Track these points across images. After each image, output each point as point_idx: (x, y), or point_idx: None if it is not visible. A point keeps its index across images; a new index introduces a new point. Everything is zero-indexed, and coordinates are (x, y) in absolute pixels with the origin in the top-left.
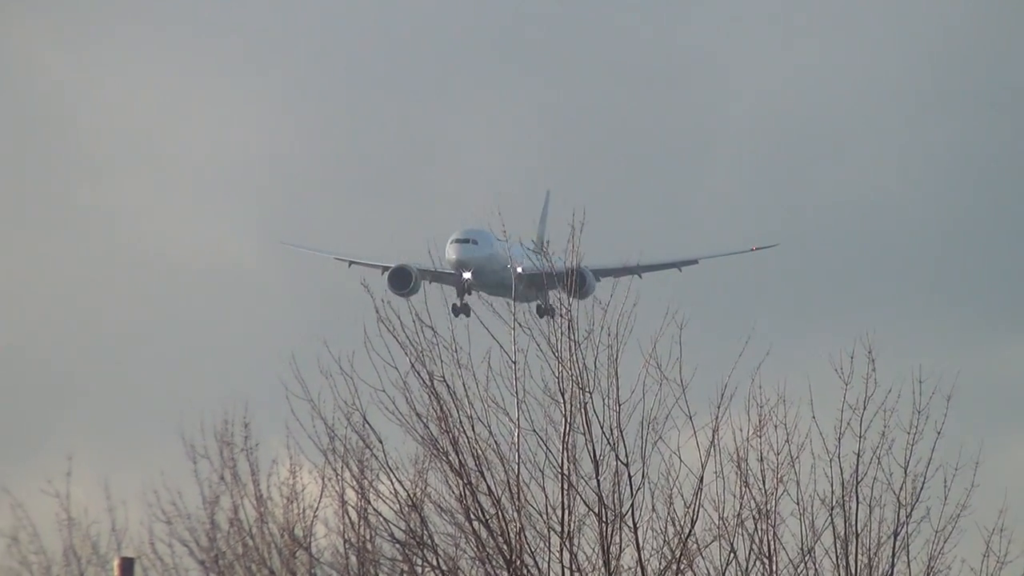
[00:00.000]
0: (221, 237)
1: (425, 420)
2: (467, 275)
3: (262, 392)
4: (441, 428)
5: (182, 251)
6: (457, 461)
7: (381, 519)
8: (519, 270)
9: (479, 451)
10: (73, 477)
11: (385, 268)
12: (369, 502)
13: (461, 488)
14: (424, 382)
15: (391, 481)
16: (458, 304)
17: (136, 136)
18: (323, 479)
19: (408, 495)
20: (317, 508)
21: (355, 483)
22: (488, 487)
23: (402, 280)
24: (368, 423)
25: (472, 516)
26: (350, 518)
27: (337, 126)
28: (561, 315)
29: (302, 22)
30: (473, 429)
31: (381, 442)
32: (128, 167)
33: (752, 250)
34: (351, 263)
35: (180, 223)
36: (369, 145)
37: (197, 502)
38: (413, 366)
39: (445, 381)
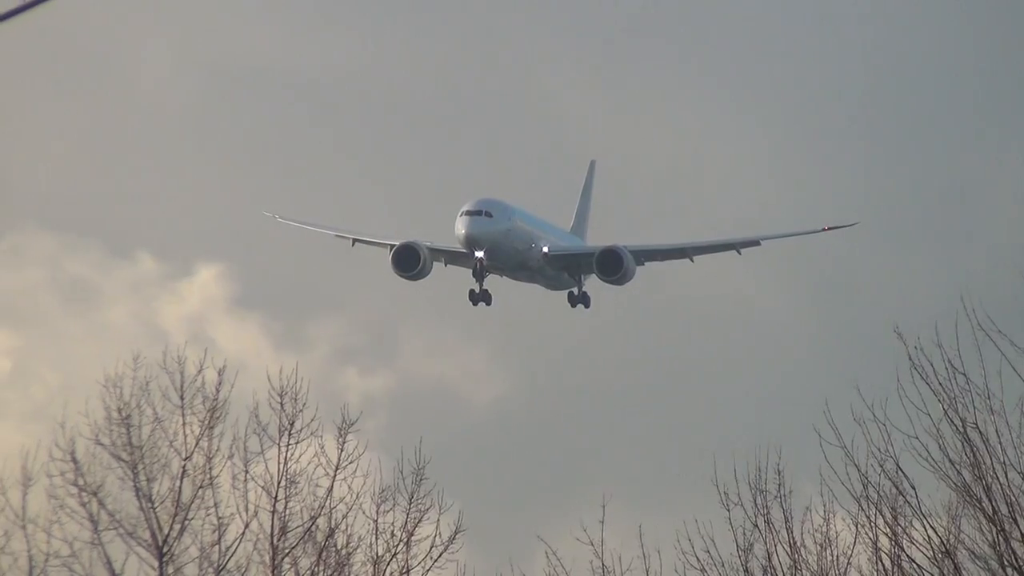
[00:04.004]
0: None
1: (958, 466)
2: (479, 254)
3: (795, 439)
4: (974, 475)
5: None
6: (990, 508)
7: (914, 565)
8: (545, 250)
9: (1012, 498)
10: (607, 524)
11: (393, 247)
12: (902, 549)
13: (994, 535)
14: (957, 428)
15: (924, 527)
16: (476, 290)
17: None
18: (856, 525)
19: (941, 541)
20: (851, 555)
21: (888, 529)
22: (1021, 533)
23: (409, 260)
24: (901, 469)
25: (1006, 562)
26: (883, 564)
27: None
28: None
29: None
30: (1006, 476)
31: (914, 488)
32: None
33: (825, 230)
34: (355, 241)
35: None
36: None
37: (730, 549)
38: (946, 412)
39: (978, 427)
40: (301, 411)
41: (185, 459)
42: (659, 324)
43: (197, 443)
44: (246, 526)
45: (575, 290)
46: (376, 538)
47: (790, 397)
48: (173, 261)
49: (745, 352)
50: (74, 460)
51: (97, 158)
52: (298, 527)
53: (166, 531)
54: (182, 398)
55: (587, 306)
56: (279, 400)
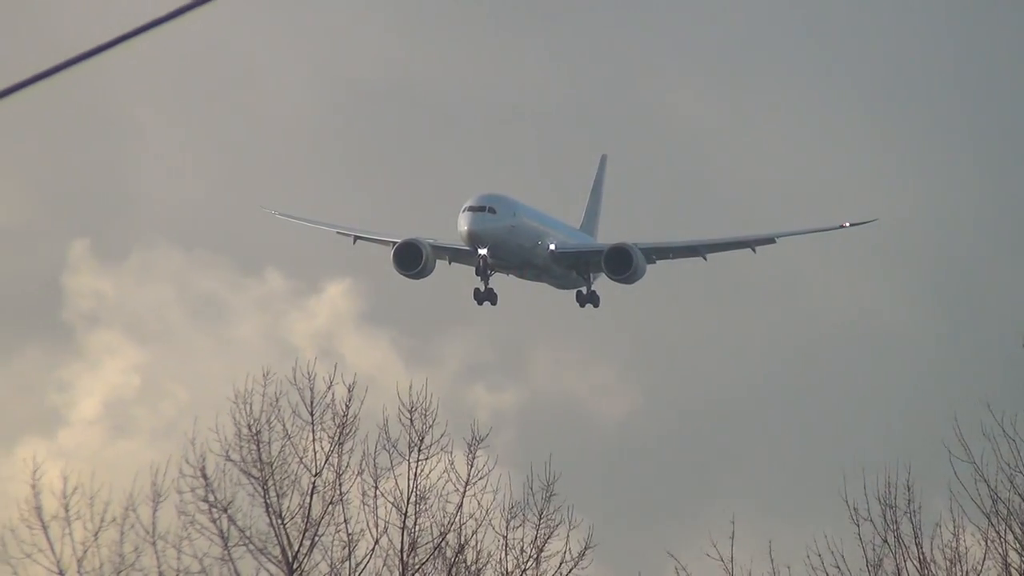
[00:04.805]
0: None
1: None
2: (483, 251)
3: (924, 454)
4: None
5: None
6: None
7: None
8: (552, 247)
9: None
10: (736, 540)
11: (396, 244)
12: None
13: None
14: None
15: None
16: (481, 289)
17: None
18: (986, 541)
19: None
20: (981, 571)
21: (1018, 545)
22: None
23: (411, 258)
24: None
25: None
26: None
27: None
28: None
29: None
30: None
31: None
32: None
33: (844, 226)
34: (356, 238)
35: None
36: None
37: (860, 564)
38: None
39: None
40: (431, 427)
41: (315, 475)
42: (788, 338)
43: (327, 459)
44: (376, 542)
45: (583, 289)
46: (506, 554)
47: (919, 412)
48: (302, 277)
49: (874, 365)
50: (204, 476)
51: (227, 174)
52: (428, 543)
53: (296, 547)
54: (312, 414)
55: (596, 305)
56: (409, 416)
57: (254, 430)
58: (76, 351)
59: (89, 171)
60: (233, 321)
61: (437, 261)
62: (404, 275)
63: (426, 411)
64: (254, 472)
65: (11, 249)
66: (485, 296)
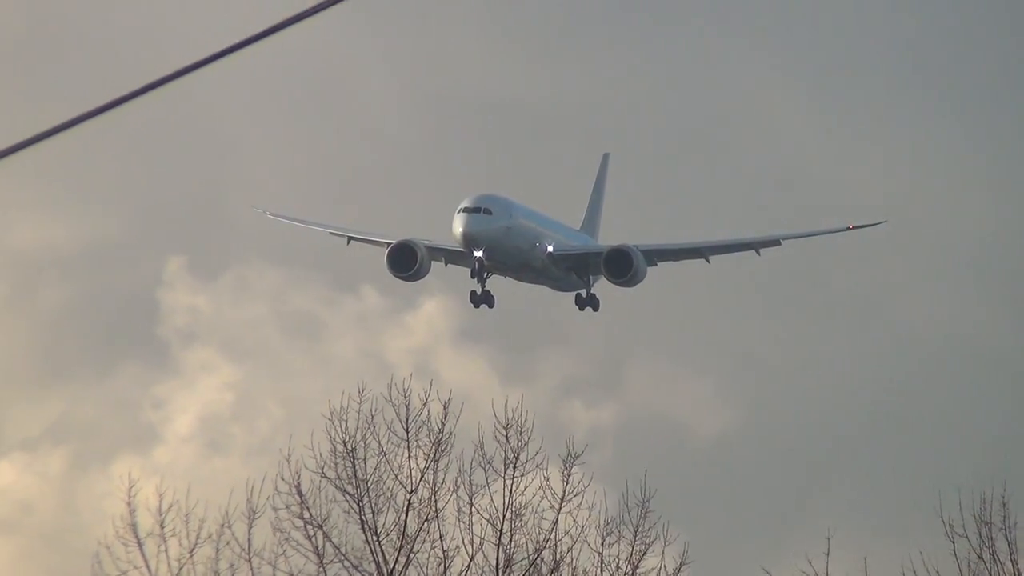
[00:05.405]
0: None
1: None
2: (478, 253)
3: (1020, 470)
4: None
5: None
6: None
7: None
8: (549, 249)
9: None
10: (832, 556)
11: (390, 245)
12: None
13: None
14: None
15: None
16: (477, 292)
17: None
18: None
19: None
20: None
21: None
22: None
23: (405, 260)
24: None
25: None
26: None
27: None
28: None
29: None
30: None
31: None
32: None
33: (849, 228)
34: (350, 239)
35: None
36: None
37: None
38: None
39: None
40: (526, 443)
41: (410, 492)
42: (879, 352)
43: (422, 476)
44: (471, 559)
45: (583, 292)
46: (601, 571)
47: (1015, 428)
48: (397, 294)
49: (968, 380)
50: (299, 493)
51: (320, 191)
52: (523, 560)
53: (391, 564)
54: (407, 431)
55: (595, 309)
56: (504, 433)
57: (349, 447)
58: (172, 368)
59: (186, 187)
60: (328, 338)
61: (433, 263)
62: (398, 277)
63: (521, 428)
64: (349, 489)
65: (108, 265)
66: (482, 299)
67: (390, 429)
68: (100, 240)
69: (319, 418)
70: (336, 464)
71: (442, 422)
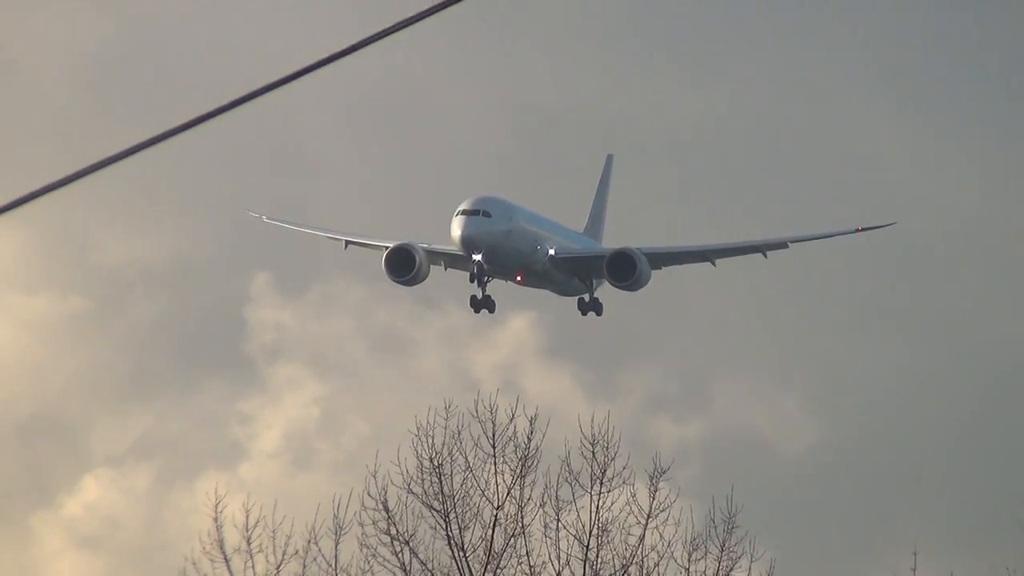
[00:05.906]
0: None
1: None
2: (477, 257)
3: None
4: None
5: None
6: None
7: None
8: (551, 252)
9: None
10: (918, 572)
11: (387, 249)
12: None
13: None
14: None
15: None
16: (478, 296)
17: None
18: None
19: None
20: None
21: None
22: None
23: (403, 264)
24: None
25: None
26: None
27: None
28: None
29: None
30: None
31: None
32: None
33: (858, 230)
34: (348, 243)
35: None
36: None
37: None
38: None
39: None
40: (613, 459)
41: (497, 508)
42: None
43: (509, 492)
44: (558, 574)
45: (586, 296)
46: None
47: None
48: (482, 313)
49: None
50: (386, 509)
51: (399, 207)
52: (610, 575)
53: None
54: (494, 447)
55: (599, 314)
56: (591, 448)
57: (436, 463)
58: (257, 384)
59: (270, 203)
60: (414, 353)
61: (432, 267)
62: (396, 282)
63: (608, 443)
64: (436, 505)
65: (195, 282)
66: (482, 304)
67: (476, 445)
68: (187, 256)
69: (405, 434)
70: (423, 480)
71: (528, 438)
